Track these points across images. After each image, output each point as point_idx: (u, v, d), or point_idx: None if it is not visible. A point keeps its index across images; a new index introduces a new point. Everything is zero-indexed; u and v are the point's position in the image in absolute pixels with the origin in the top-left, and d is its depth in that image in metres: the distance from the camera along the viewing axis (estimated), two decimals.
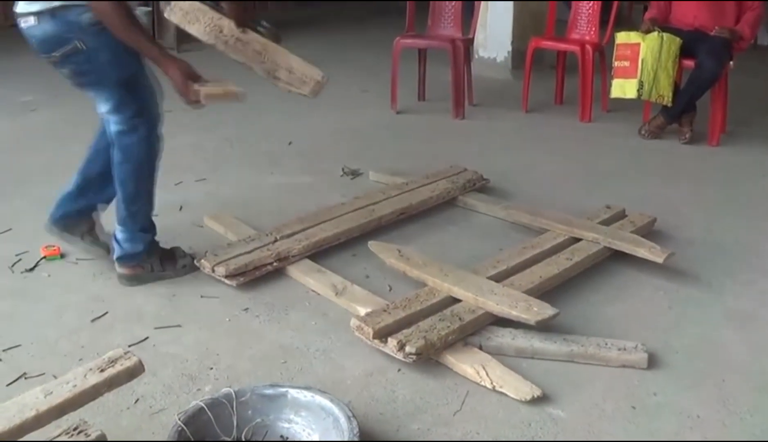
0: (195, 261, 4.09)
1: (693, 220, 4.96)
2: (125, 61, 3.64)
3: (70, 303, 3.85)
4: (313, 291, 3.97)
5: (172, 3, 4.12)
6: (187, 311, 3.77)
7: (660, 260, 4.07)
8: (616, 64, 6.52)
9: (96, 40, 3.54)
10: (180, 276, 4.06)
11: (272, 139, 6.47)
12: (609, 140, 6.75)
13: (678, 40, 6.37)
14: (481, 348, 3.38)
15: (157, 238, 4.10)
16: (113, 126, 3.75)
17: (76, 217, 4.14)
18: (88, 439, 2.52)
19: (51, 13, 3.51)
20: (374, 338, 3.33)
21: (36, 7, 3.54)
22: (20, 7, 3.60)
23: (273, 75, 4.15)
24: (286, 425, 2.84)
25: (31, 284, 4.03)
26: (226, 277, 3.94)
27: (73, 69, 3.67)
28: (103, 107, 3.75)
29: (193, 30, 4.10)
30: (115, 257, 4.00)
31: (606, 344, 3.41)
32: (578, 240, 4.31)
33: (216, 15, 4.06)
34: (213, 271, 3.98)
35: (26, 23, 3.60)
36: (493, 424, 2.99)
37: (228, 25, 4.04)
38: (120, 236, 3.96)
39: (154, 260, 4.03)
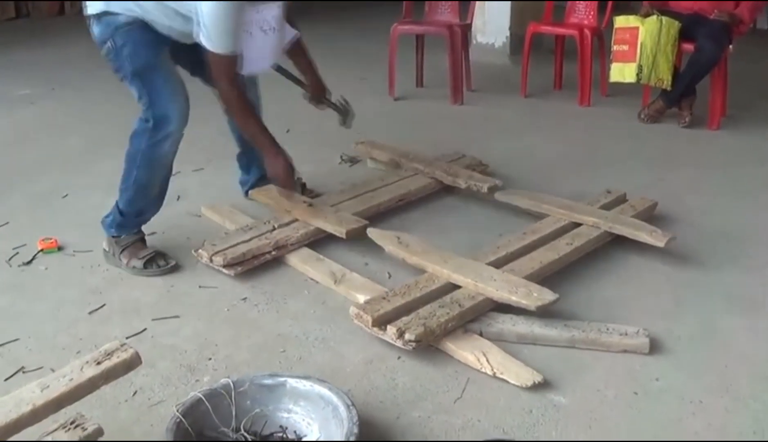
0: (163, 267, 4.06)
1: (694, 204, 4.94)
2: (140, 53, 3.86)
3: (67, 296, 3.83)
4: (311, 279, 3.95)
5: None
6: (185, 302, 3.75)
7: (661, 244, 4.04)
8: (614, 48, 6.49)
9: (123, 38, 3.84)
10: (131, 274, 4.05)
11: (270, 127, 6.41)
12: (608, 125, 6.73)
13: (677, 24, 6.35)
14: (481, 335, 3.36)
15: (152, 231, 4.20)
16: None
17: (264, 181, 4.68)
18: (85, 433, 2.51)
19: (97, 17, 3.87)
20: (373, 325, 3.32)
21: (89, 10, 3.92)
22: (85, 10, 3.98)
23: (455, 177, 4.91)
24: (286, 414, 2.83)
25: (29, 278, 4.01)
26: (224, 266, 3.92)
27: (111, 67, 3.94)
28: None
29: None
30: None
31: (607, 329, 3.39)
32: (578, 225, 4.28)
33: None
34: (211, 261, 3.96)
35: (89, 25, 3.96)
36: (494, 411, 2.98)
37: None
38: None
39: (116, 247, 4.10)
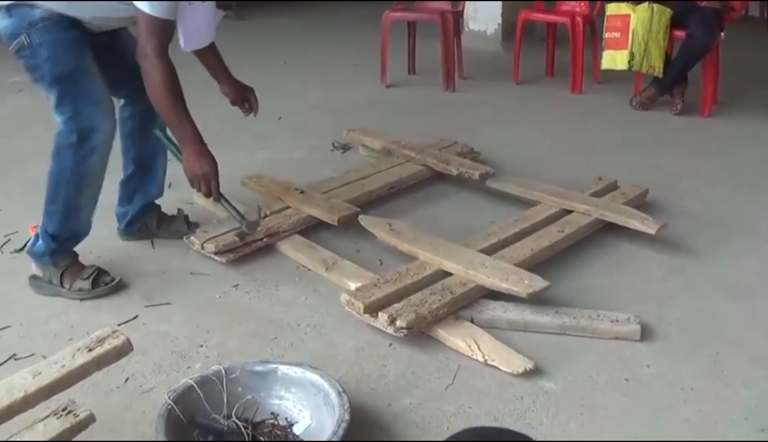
0: (110, 283, 3.77)
1: (685, 191, 4.95)
2: (62, 58, 3.52)
3: None
4: (303, 266, 3.95)
5: None
6: (177, 289, 3.75)
7: (652, 231, 4.05)
8: (606, 35, 6.50)
9: (40, 37, 3.48)
10: (74, 298, 3.71)
11: (262, 114, 6.39)
12: (600, 112, 6.74)
13: (669, 11, 6.35)
14: (472, 321, 3.37)
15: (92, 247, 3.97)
16: (57, 123, 3.65)
17: (145, 211, 4.27)
18: (77, 419, 2.50)
19: (7, 9, 3.50)
20: (365, 312, 3.32)
21: None
22: None
23: (447, 164, 4.90)
24: (277, 401, 2.83)
25: (21, 265, 3.99)
26: (216, 254, 3.92)
27: (23, 64, 3.59)
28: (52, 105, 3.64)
29: None
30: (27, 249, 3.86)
31: (598, 316, 3.39)
32: (570, 212, 4.28)
33: None
34: (202, 248, 3.95)
35: None
36: (486, 398, 2.98)
37: None
38: (38, 229, 3.79)
39: (54, 271, 3.75)
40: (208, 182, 3.68)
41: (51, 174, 3.68)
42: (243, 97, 4.26)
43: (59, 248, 3.74)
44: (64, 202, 3.68)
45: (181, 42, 3.65)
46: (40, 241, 3.74)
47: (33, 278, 3.83)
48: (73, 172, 3.62)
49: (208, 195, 3.74)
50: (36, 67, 3.54)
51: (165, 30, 3.49)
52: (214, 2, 3.76)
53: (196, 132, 3.68)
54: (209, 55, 4.06)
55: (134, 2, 3.41)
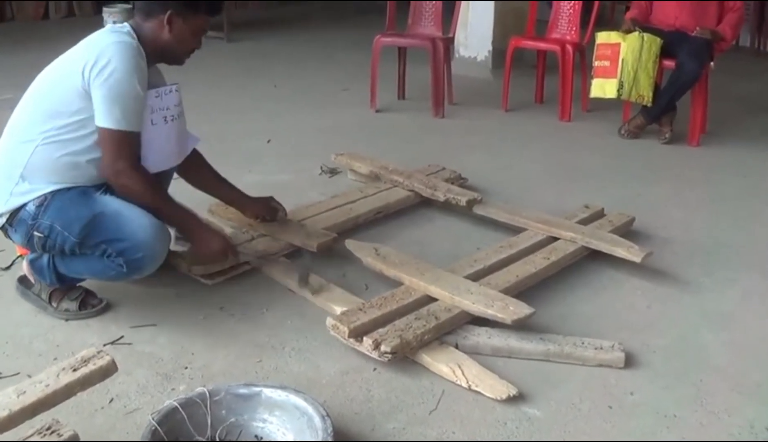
0: (97, 306, 3.74)
1: (672, 219, 4.98)
2: (71, 216, 3.43)
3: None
4: (289, 290, 3.94)
5: None
6: (163, 310, 3.74)
7: (638, 259, 4.07)
8: (596, 63, 6.52)
9: (47, 218, 3.44)
10: (59, 317, 3.68)
11: (252, 137, 6.47)
12: (588, 140, 6.77)
13: (659, 41, 6.39)
14: (457, 347, 3.37)
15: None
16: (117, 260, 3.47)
17: None
18: (61, 439, 2.50)
19: (8, 223, 3.52)
20: (350, 337, 3.32)
21: None
22: None
23: (434, 190, 4.91)
24: (261, 424, 2.83)
25: (7, 283, 3.98)
26: (203, 276, 3.92)
27: (49, 248, 3.54)
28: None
29: None
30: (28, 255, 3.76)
31: (582, 343, 3.41)
32: (556, 239, 4.31)
33: None
34: (189, 270, 3.95)
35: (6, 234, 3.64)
36: (469, 423, 2.99)
37: None
38: (47, 257, 3.68)
39: (45, 287, 3.70)
40: (227, 254, 3.84)
41: (81, 262, 3.58)
42: (267, 209, 4.35)
43: (61, 278, 3.66)
44: (80, 274, 3.69)
45: (143, 162, 3.59)
46: (45, 266, 3.65)
47: (22, 282, 3.83)
48: (106, 277, 3.62)
49: (229, 258, 3.92)
50: (64, 242, 3.45)
51: (134, 142, 3.49)
52: (183, 126, 3.81)
53: (192, 216, 3.81)
54: (196, 167, 4.09)
55: (99, 125, 3.39)
